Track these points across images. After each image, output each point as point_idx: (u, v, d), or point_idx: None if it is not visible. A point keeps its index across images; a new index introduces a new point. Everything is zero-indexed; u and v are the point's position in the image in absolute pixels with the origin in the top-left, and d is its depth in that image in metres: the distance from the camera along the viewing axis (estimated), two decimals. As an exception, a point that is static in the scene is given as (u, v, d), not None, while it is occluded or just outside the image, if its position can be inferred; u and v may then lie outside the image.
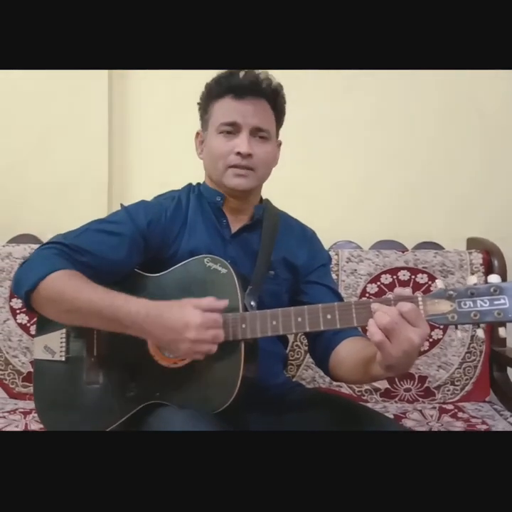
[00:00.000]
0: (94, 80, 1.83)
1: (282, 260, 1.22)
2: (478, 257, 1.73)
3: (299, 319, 0.98)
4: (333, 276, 1.66)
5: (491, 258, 1.73)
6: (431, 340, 1.69)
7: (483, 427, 1.47)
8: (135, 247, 1.13)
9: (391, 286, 1.70)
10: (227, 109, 1.16)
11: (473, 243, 1.82)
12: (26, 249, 1.71)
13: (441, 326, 1.63)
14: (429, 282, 1.71)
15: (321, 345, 1.17)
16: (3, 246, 1.73)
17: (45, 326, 1.16)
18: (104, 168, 1.87)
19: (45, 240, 1.76)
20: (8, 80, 1.82)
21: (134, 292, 1.03)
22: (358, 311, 0.94)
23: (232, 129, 1.15)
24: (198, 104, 1.23)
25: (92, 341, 1.13)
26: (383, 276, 1.71)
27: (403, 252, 1.76)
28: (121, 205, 1.20)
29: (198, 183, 1.27)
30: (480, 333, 0.92)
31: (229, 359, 1.01)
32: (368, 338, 0.89)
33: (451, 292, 0.91)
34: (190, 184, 1.28)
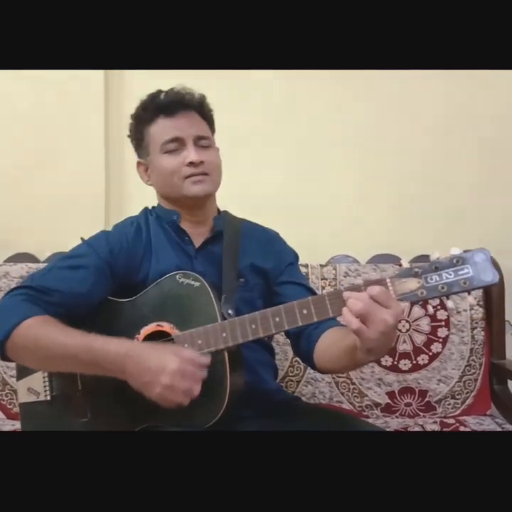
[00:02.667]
0: (90, 94, 1.84)
1: (250, 266, 1.23)
2: (475, 270, 1.73)
3: (277, 319, 1.00)
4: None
5: (488, 270, 1.73)
6: (430, 353, 1.68)
7: (485, 441, 1.46)
8: (101, 276, 1.14)
9: (389, 300, 1.69)
10: (163, 128, 1.19)
11: (470, 256, 1.82)
12: (23, 269, 1.71)
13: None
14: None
15: (303, 342, 1.18)
16: (0, 265, 1.73)
17: (25, 368, 1.16)
18: (101, 184, 1.87)
19: (42, 259, 1.79)
20: (2, 94, 1.83)
21: (109, 319, 1.04)
22: (332, 301, 0.97)
23: (176, 145, 1.18)
24: (129, 136, 1.27)
25: (75, 376, 1.12)
26: (381, 290, 1.71)
27: (400, 265, 1.75)
28: (82, 238, 1.22)
29: (153, 207, 1.29)
30: (450, 304, 0.95)
31: (214, 370, 1.01)
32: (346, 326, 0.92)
33: (417, 270, 0.95)
34: (146, 208, 1.30)
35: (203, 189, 1.18)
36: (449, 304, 0.95)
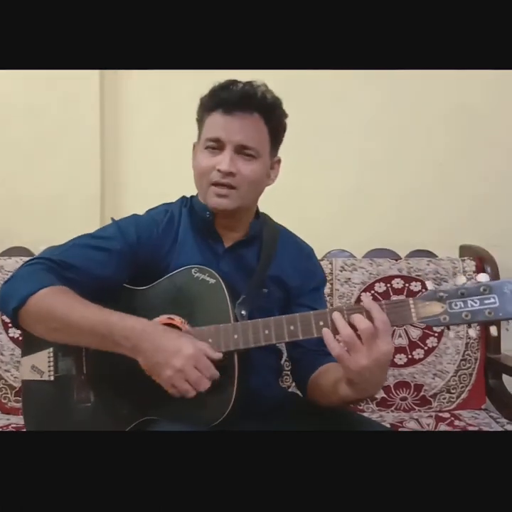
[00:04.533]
0: (85, 90, 1.83)
1: (276, 279, 1.19)
2: (471, 265, 1.74)
3: (292, 327, 0.98)
4: (328, 285, 1.66)
5: (483, 265, 1.74)
6: (426, 348, 1.69)
7: (480, 435, 1.46)
8: (124, 263, 1.11)
9: (385, 295, 1.70)
10: (214, 124, 1.13)
11: (465, 251, 1.83)
12: (18, 262, 1.69)
13: (437, 329, 1.64)
14: (423, 290, 1.70)
15: (301, 369, 1.17)
16: (-5, 259, 1.72)
17: (31, 345, 1.14)
18: (97, 179, 1.86)
19: (37, 253, 1.77)
20: (-3, 92, 1.82)
21: (119, 305, 1.01)
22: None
23: (217, 145, 1.11)
24: (196, 117, 1.21)
25: (80, 359, 1.10)
26: (377, 284, 1.71)
27: (396, 260, 1.76)
28: (112, 219, 1.18)
29: (192, 196, 1.25)
30: (472, 332, 0.94)
31: (223, 371, 0.99)
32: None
33: (442, 294, 0.92)
34: (183, 197, 1.26)
35: (223, 204, 1.12)
36: (471, 332, 0.94)
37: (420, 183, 1.90)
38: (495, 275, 1.72)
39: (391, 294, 1.70)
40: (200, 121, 1.18)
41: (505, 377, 1.72)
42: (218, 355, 0.98)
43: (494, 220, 1.89)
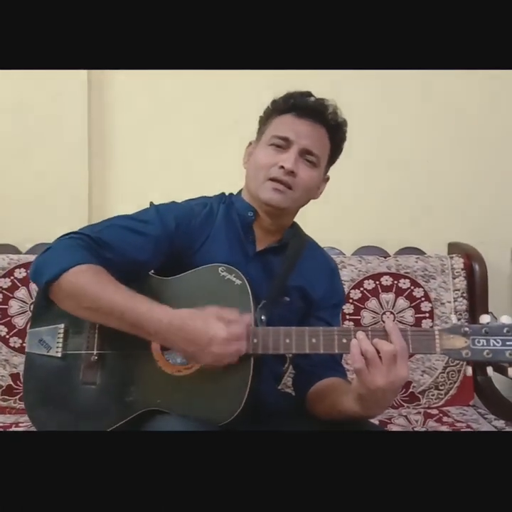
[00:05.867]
0: (72, 88, 1.82)
1: (299, 288, 1.19)
2: (459, 262, 1.75)
3: (314, 340, 0.98)
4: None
5: (471, 262, 1.75)
6: (414, 345, 1.69)
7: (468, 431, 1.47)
8: (160, 249, 1.09)
9: (374, 292, 1.70)
10: (284, 123, 1.15)
11: (454, 248, 1.84)
12: (5, 260, 1.69)
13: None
14: (412, 287, 1.72)
15: (305, 379, 1.17)
16: (-19, 257, 1.70)
17: (42, 318, 1.12)
18: (84, 176, 1.85)
19: (24, 250, 1.76)
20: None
21: (142, 292, 0.99)
22: (373, 336, 0.95)
23: (283, 144, 1.13)
24: (260, 117, 1.22)
25: (93, 339, 1.08)
26: (366, 281, 1.72)
27: (385, 257, 1.77)
28: (151, 203, 1.16)
29: (231, 194, 1.25)
30: (490, 371, 0.96)
31: (237, 372, 0.99)
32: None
33: (467, 329, 0.95)
34: (223, 193, 1.25)
35: (277, 199, 1.12)
36: (489, 370, 0.96)
37: (409, 181, 1.91)
38: (483, 272, 1.72)
39: (380, 291, 1.71)
40: (266, 120, 1.19)
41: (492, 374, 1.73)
42: (248, 318, 0.98)
43: (482, 217, 1.91)
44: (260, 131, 1.21)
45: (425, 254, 1.81)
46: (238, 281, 1.05)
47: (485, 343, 0.93)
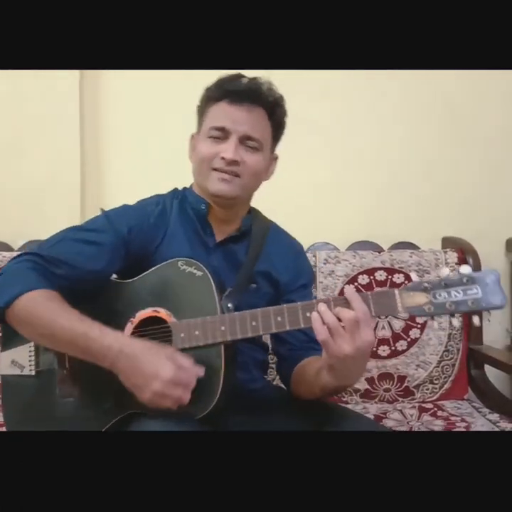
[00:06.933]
0: (64, 82, 1.80)
1: (265, 274, 1.19)
2: (453, 256, 1.75)
3: (279, 318, 0.98)
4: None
5: (465, 257, 1.75)
6: (409, 339, 1.70)
7: (463, 425, 1.47)
8: (115, 256, 1.09)
9: (368, 287, 1.70)
10: (219, 113, 1.13)
11: (448, 242, 1.84)
12: (-3, 257, 1.68)
13: (420, 320, 1.66)
14: (406, 282, 1.71)
15: (287, 365, 1.17)
16: (-26, 254, 1.68)
17: (11, 339, 1.12)
18: (77, 172, 1.83)
19: (16, 248, 1.75)
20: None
21: (106, 298, 1.00)
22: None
23: (221, 134, 1.12)
24: (197, 106, 1.20)
25: (63, 354, 1.08)
26: (360, 276, 1.72)
27: (379, 252, 1.77)
28: (102, 209, 1.15)
29: (184, 188, 1.24)
30: (455, 322, 0.95)
31: (209, 363, 0.99)
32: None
33: (426, 285, 0.94)
34: (175, 189, 1.24)
35: (226, 189, 1.12)
36: (455, 322, 0.95)
37: (403, 176, 1.90)
38: (477, 267, 1.73)
39: (374, 286, 1.71)
40: (203, 111, 1.18)
41: (487, 368, 1.74)
42: (201, 371, 0.96)
43: (476, 212, 1.91)
44: (199, 122, 1.19)
45: (419, 248, 1.81)
46: (199, 273, 1.04)
47: (446, 296, 0.93)
